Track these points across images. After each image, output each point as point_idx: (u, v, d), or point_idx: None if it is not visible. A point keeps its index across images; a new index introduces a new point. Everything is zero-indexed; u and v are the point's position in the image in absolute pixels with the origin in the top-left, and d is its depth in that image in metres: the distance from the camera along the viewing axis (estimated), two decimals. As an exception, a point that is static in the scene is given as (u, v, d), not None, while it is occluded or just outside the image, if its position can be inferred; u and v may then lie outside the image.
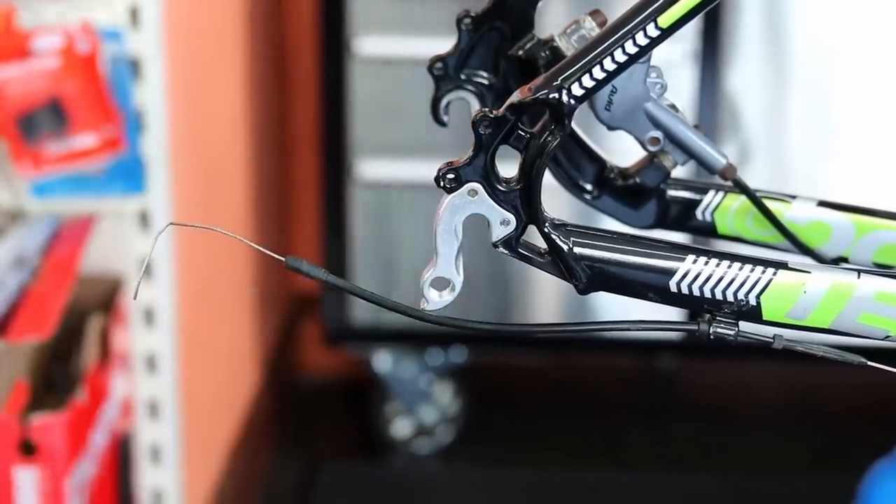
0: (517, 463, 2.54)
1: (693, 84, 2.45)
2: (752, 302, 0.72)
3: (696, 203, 0.86)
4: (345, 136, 2.39)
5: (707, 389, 2.79)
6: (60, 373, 1.54)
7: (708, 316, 0.72)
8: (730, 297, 0.72)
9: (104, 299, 1.63)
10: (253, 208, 2.39)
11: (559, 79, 0.70)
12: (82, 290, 1.59)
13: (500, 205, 0.71)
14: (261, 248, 0.74)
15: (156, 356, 1.68)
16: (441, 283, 0.73)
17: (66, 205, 1.59)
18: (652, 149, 0.85)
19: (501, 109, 0.70)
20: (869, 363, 0.73)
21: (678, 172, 0.86)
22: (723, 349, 2.69)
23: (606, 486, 2.45)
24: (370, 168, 2.42)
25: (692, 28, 2.41)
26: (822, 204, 0.85)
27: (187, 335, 1.85)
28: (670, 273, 0.72)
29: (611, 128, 0.84)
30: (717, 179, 0.85)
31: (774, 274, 0.72)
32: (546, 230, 0.72)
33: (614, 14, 0.73)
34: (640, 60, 0.72)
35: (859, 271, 0.73)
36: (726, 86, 2.48)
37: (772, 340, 0.72)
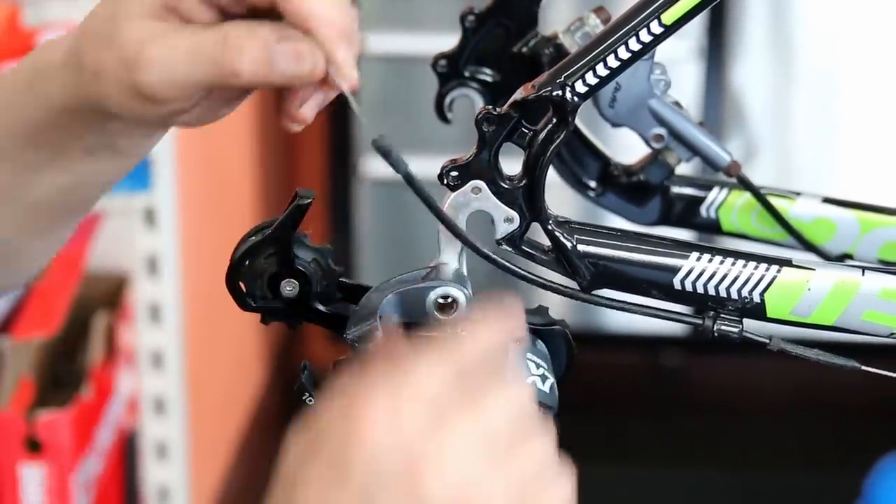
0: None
1: (698, 80, 2.45)
2: (756, 299, 0.71)
3: (701, 200, 0.86)
4: (350, 133, 2.39)
5: (712, 385, 2.79)
6: (66, 370, 1.55)
7: (712, 313, 0.72)
8: (734, 295, 0.71)
9: (110, 296, 1.63)
10: (259, 205, 2.39)
11: (563, 76, 0.70)
12: (88, 287, 1.59)
13: (503, 202, 0.71)
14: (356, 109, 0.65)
15: (162, 353, 1.68)
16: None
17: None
18: (656, 146, 0.85)
19: (505, 107, 0.70)
20: (863, 367, 0.73)
21: (682, 169, 0.87)
22: (727, 345, 2.68)
23: (611, 480, 2.45)
24: (376, 165, 2.42)
25: (697, 24, 2.40)
26: (827, 200, 0.85)
27: (193, 331, 1.85)
28: (674, 270, 0.72)
29: (615, 124, 0.84)
30: (722, 176, 0.85)
31: (778, 271, 0.71)
32: (550, 227, 0.72)
33: (618, 11, 0.73)
34: (644, 57, 0.72)
35: (864, 268, 0.72)
36: (731, 82, 2.48)
37: (768, 342, 0.72)
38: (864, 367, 0.73)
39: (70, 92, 0.66)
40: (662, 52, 0.76)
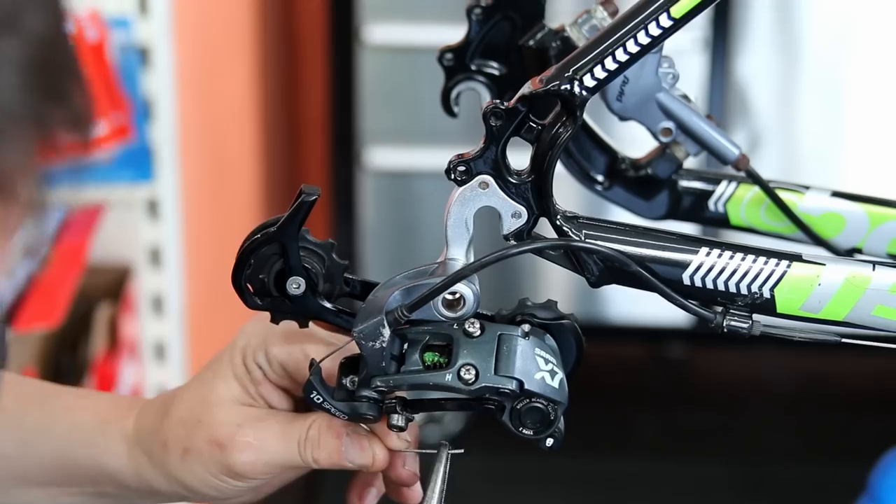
0: (526, 451, 2.53)
1: (703, 72, 2.44)
2: (766, 295, 0.71)
3: (709, 194, 0.85)
4: (354, 123, 2.39)
5: (716, 378, 2.79)
6: (69, 361, 1.54)
7: (722, 308, 0.71)
8: (743, 290, 0.71)
9: (113, 288, 1.62)
10: (262, 196, 2.39)
11: (571, 70, 0.69)
12: (91, 279, 1.59)
13: (511, 197, 0.70)
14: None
15: (164, 344, 1.68)
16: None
17: (75, 193, 1.58)
18: (664, 139, 0.84)
19: (512, 101, 0.69)
20: (843, 340, 0.72)
21: (690, 163, 0.86)
22: (731, 338, 2.67)
23: (616, 472, 2.45)
24: (379, 156, 2.42)
25: (702, 15, 2.39)
26: (836, 194, 0.84)
27: (196, 323, 1.85)
28: (683, 266, 0.71)
29: (622, 118, 0.83)
30: (730, 170, 0.84)
31: (788, 266, 0.71)
32: (558, 223, 0.71)
33: (626, 4, 0.72)
34: (653, 50, 0.72)
35: (874, 263, 0.72)
36: (737, 73, 2.47)
37: (749, 327, 0.71)
38: (844, 340, 0.72)
39: (136, 469, 0.73)
40: (666, 43, 0.75)
